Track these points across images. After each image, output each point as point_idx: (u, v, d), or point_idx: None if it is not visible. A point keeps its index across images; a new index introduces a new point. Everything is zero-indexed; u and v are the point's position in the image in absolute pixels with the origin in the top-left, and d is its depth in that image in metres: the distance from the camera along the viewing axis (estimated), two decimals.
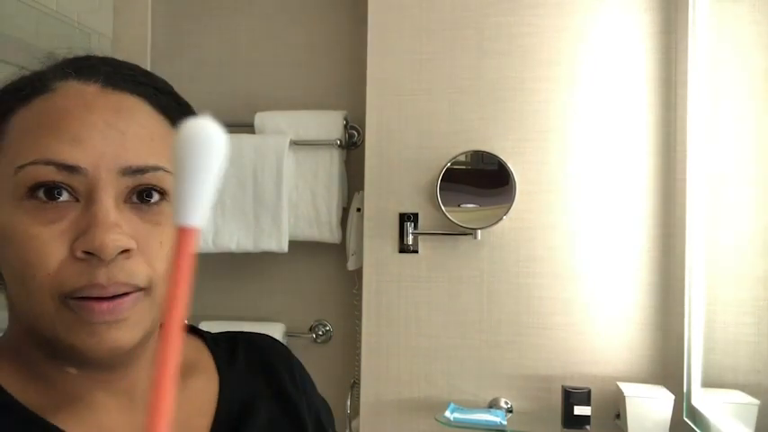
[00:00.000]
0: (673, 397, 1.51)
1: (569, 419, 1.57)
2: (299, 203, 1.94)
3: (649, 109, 1.68)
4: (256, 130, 1.97)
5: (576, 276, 1.70)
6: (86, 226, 0.46)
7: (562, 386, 1.61)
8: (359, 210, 1.89)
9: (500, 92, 1.75)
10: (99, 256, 0.45)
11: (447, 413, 1.60)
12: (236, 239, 1.91)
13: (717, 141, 1.51)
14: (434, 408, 1.70)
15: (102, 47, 2.06)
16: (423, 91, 1.79)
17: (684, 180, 1.60)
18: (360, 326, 1.82)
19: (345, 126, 1.96)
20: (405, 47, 1.80)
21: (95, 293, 0.46)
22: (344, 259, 1.95)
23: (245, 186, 1.90)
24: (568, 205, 1.71)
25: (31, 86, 0.50)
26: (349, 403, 1.88)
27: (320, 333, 2.04)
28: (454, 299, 1.76)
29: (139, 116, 0.51)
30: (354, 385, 1.91)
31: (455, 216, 1.73)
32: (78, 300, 0.46)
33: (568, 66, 1.72)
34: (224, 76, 2.08)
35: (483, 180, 1.75)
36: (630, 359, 1.67)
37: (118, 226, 0.46)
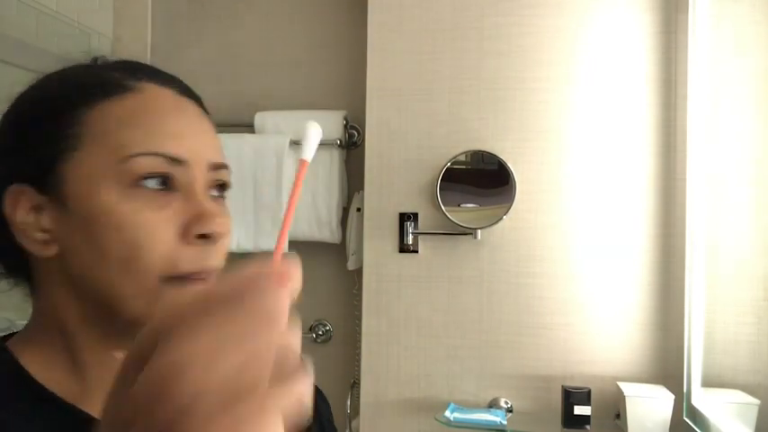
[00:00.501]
0: (673, 397, 1.51)
1: (569, 419, 1.57)
2: (299, 203, 1.94)
3: (649, 109, 1.68)
4: (256, 130, 1.97)
5: (577, 276, 1.70)
6: (196, 213, 0.51)
7: (562, 386, 1.61)
8: (359, 210, 1.89)
9: (500, 92, 1.75)
10: (213, 239, 0.51)
11: (447, 413, 1.60)
12: (236, 239, 1.91)
13: (717, 141, 1.51)
14: (434, 408, 1.70)
15: (102, 47, 2.06)
16: (423, 91, 1.79)
17: (684, 180, 1.60)
18: (360, 326, 1.82)
19: (345, 126, 1.96)
20: (405, 47, 1.80)
21: (203, 276, 0.51)
22: (344, 259, 1.95)
23: (244, 186, 1.90)
24: (568, 205, 1.71)
25: (112, 84, 0.53)
26: (349, 403, 1.88)
27: (320, 333, 2.04)
28: (454, 299, 1.76)
29: (206, 120, 0.58)
30: (354, 385, 1.91)
31: (455, 216, 1.73)
32: (183, 280, 0.50)
33: (568, 66, 1.72)
34: (224, 76, 2.08)
35: (483, 180, 1.75)
36: (630, 359, 1.67)
37: (220, 213, 0.52)
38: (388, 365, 1.78)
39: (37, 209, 0.51)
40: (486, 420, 1.58)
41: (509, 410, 1.70)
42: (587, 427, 1.57)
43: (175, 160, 0.51)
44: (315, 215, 1.93)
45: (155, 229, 0.49)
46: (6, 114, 0.55)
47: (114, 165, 0.50)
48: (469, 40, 1.77)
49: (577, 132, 1.71)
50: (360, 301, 1.84)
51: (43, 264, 0.53)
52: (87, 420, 0.51)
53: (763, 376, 1.35)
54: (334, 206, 1.93)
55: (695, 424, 1.49)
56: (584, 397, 1.57)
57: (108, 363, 0.54)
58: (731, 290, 1.45)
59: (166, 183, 0.51)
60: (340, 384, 1.96)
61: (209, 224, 0.51)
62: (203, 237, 0.51)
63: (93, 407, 0.52)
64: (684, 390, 1.56)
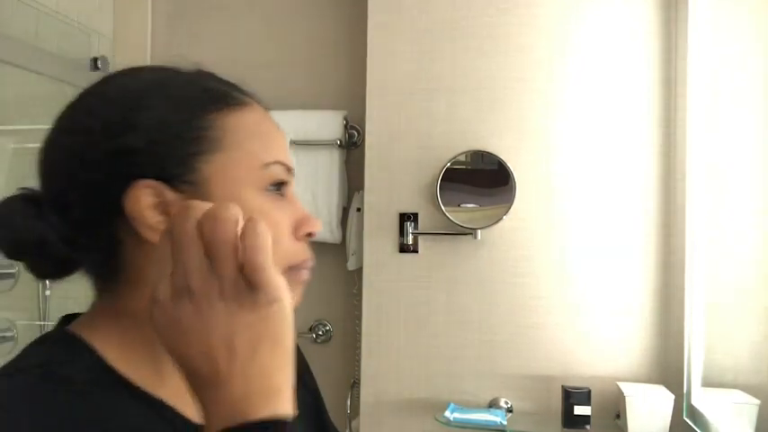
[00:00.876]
0: (673, 397, 1.51)
1: (569, 419, 1.57)
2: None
3: (649, 108, 1.68)
4: None
5: (576, 276, 1.70)
6: (303, 215, 0.59)
7: (562, 386, 1.61)
8: (359, 210, 1.89)
9: (500, 92, 1.75)
10: (312, 236, 0.59)
11: (447, 413, 1.60)
12: None
13: (717, 141, 1.51)
14: (434, 408, 1.70)
15: (102, 47, 2.06)
16: (423, 91, 1.79)
17: (684, 180, 1.60)
18: (360, 326, 1.82)
19: (345, 126, 1.96)
20: (405, 47, 1.80)
21: (307, 265, 0.59)
22: (344, 259, 1.95)
23: None
24: (568, 205, 1.71)
25: (231, 96, 0.59)
26: (349, 403, 1.88)
27: (320, 333, 2.04)
28: (454, 299, 1.76)
29: None
30: (354, 385, 1.91)
31: (455, 216, 1.73)
32: (295, 269, 0.57)
33: (568, 65, 1.72)
34: (224, 76, 2.07)
35: (483, 180, 1.75)
36: (630, 359, 1.67)
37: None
38: (388, 365, 1.78)
39: (166, 204, 0.52)
40: (486, 420, 1.58)
41: (509, 410, 1.70)
42: (587, 427, 1.57)
43: (289, 170, 0.59)
44: (315, 215, 1.93)
45: (282, 228, 0.57)
46: (114, 112, 0.54)
47: (255, 170, 0.56)
48: (469, 40, 1.77)
49: (577, 132, 1.71)
50: (360, 301, 1.84)
51: (153, 258, 0.53)
52: (170, 411, 0.53)
53: (763, 376, 1.35)
54: (335, 206, 1.93)
55: (695, 424, 1.49)
56: (584, 397, 1.57)
57: None
58: (731, 290, 1.45)
59: (280, 188, 0.58)
60: (340, 384, 1.96)
61: (315, 225, 0.59)
62: (309, 235, 0.59)
63: (170, 397, 0.54)
64: (684, 390, 1.56)
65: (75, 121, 0.55)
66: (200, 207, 0.42)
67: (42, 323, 2.10)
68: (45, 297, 2.12)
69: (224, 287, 0.41)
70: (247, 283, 0.41)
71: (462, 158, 1.75)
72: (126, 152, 0.52)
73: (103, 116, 0.54)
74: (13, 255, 0.54)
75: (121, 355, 0.53)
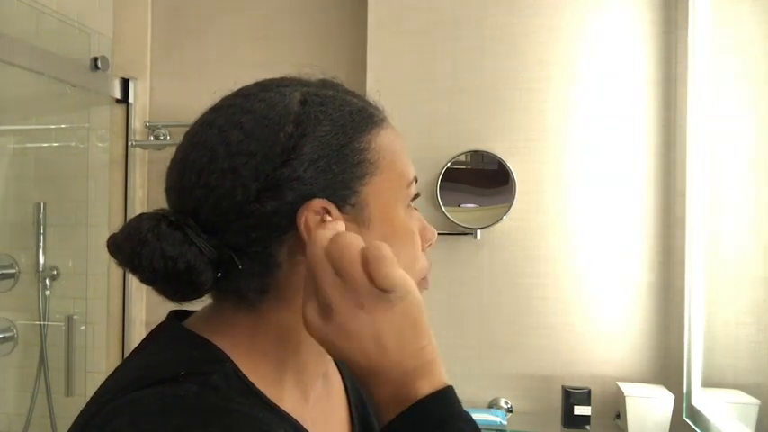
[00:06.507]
0: (673, 397, 1.51)
1: (569, 419, 1.58)
2: None
3: (649, 109, 1.68)
4: None
5: (576, 276, 1.70)
6: (423, 224, 0.61)
7: (562, 386, 1.62)
8: None
9: (500, 92, 1.75)
10: (431, 246, 0.61)
11: None
12: None
13: (717, 141, 1.51)
14: None
15: (102, 47, 2.06)
16: (423, 91, 1.79)
17: (684, 180, 1.60)
18: None
19: None
20: (405, 47, 1.80)
21: (426, 275, 0.61)
22: None
23: None
24: (568, 205, 1.71)
25: (375, 114, 0.59)
26: None
27: None
28: (454, 299, 1.76)
29: None
30: None
31: (455, 216, 1.73)
32: (423, 281, 0.60)
33: (568, 66, 1.72)
34: (224, 77, 2.07)
35: (483, 180, 1.75)
36: (630, 359, 1.67)
37: None
38: None
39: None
40: (486, 420, 1.58)
41: (509, 410, 1.70)
42: (587, 427, 1.57)
43: (416, 184, 0.61)
44: None
45: (419, 244, 0.59)
46: (273, 134, 0.51)
47: (403, 189, 0.58)
48: (469, 40, 1.77)
49: (577, 132, 1.71)
50: None
51: (303, 276, 0.52)
52: (299, 425, 0.53)
53: (763, 376, 1.35)
54: None
55: (695, 424, 1.49)
56: (585, 397, 1.57)
57: (320, 363, 0.60)
58: (731, 290, 1.45)
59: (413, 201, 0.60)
60: None
61: (434, 235, 0.61)
62: (429, 245, 0.61)
63: (289, 411, 0.53)
64: (684, 390, 1.56)
65: (229, 143, 0.51)
66: (324, 236, 0.47)
67: (42, 323, 2.10)
68: (45, 297, 2.13)
69: (360, 299, 0.46)
70: (380, 290, 0.46)
71: (462, 158, 1.75)
72: (291, 179, 0.51)
73: (262, 139, 0.51)
74: (152, 281, 0.50)
75: (250, 365, 0.52)
